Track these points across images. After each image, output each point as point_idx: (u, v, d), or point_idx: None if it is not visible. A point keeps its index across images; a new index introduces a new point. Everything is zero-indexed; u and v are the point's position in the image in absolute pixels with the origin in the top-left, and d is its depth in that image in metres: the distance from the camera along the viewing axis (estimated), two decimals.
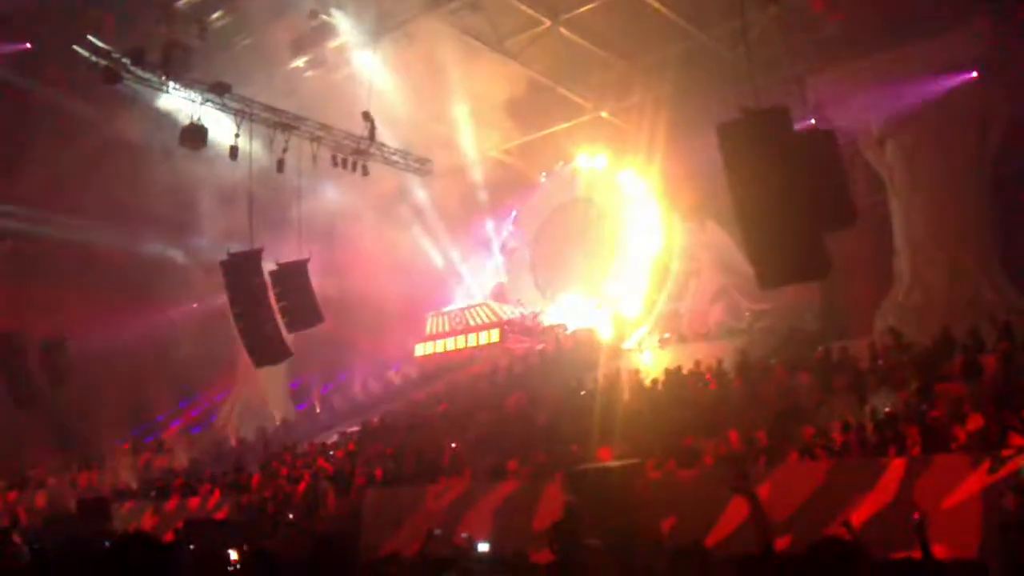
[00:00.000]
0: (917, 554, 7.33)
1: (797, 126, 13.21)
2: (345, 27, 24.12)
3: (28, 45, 22.99)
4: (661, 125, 24.92)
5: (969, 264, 19.52)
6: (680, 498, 12.67)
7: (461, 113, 26.86)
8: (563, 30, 24.52)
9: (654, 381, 19.27)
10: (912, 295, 19.61)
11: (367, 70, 24.20)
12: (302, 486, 19.68)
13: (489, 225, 32.88)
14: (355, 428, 25.35)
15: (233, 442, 28.73)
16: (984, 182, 19.79)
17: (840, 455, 12.42)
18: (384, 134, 24.99)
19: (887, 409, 13.16)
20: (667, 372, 19.38)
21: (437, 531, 14.00)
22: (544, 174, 32.10)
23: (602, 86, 27.12)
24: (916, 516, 7.62)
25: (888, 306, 20.23)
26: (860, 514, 10.72)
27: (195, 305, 31.97)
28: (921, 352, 15.61)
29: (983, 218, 19.75)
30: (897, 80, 19.76)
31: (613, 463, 13.72)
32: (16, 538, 14.59)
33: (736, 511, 10.71)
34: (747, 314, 23.92)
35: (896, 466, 11.15)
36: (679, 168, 24.81)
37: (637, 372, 20.99)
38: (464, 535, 14.34)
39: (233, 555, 10.14)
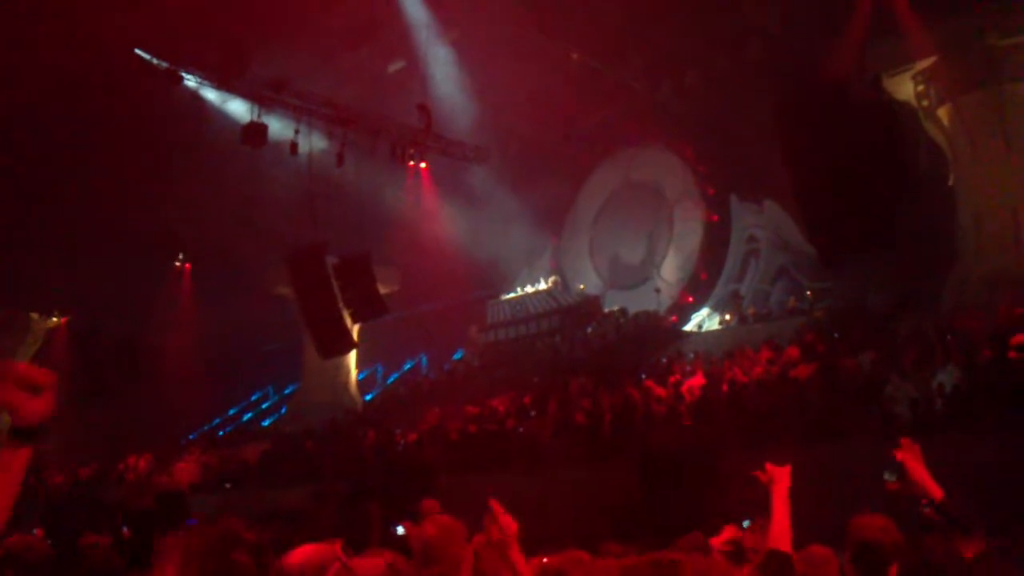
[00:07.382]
0: None
1: (854, 97, 13.03)
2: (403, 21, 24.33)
3: None
4: (715, 105, 24.67)
5: None
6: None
7: (516, 100, 26.88)
8: None
9: (714, 363, 19.15)
10: (978, 269, 19.12)
11: (423, 62, 24.38)
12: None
13: (547, 211, 32.85)
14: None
15: (303, 434, 29.11)
16: None
17: (909, 433, 12.18)
18: (440, 124, 25.12)
19: (955, 384, 12.92)
20: (727, 355, 19.26)
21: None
22: (600, 160, 31.98)
23: (654, 67, 26.94)
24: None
25: (955, 279, 19.78)
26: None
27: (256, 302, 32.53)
28: (991, 324, 15.30)
29: None
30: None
31: (686, 447, 13.71)
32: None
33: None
34: (809, 293, 23.70)
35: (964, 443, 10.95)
36: (735, 147, 24.59)
37: (698, 355, 20.92)
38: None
39: None
